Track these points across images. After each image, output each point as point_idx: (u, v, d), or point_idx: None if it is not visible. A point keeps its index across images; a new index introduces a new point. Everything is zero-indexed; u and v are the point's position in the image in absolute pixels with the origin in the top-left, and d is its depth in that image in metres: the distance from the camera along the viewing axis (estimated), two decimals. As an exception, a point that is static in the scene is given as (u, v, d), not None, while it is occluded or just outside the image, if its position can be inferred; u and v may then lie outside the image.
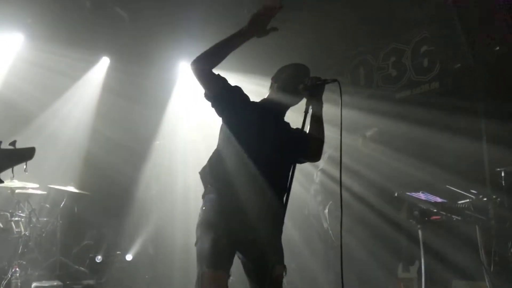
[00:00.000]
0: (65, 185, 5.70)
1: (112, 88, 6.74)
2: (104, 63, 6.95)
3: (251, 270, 2.74)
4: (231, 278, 2.62)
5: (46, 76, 6.13)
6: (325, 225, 4.84)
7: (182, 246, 5.24)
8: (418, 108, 5.44)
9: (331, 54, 6.79)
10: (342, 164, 2.73)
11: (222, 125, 2.86)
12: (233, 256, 2.68)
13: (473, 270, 4.38)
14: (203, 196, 2.80)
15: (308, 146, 2.89)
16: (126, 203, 6.28)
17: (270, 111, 2.86)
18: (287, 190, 2.60)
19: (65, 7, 5.72)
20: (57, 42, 5.89)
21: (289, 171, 2.65)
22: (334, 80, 2.71)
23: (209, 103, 2.84)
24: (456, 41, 5.68)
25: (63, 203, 5.68)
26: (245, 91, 2.89)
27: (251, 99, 2.90)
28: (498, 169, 4.67)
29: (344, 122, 2.77)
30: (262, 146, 2.72)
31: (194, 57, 2.75)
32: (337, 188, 4.52)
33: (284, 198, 2.59)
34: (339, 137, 2.75)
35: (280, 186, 2.72)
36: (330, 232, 4.80)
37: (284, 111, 2.94)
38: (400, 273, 5.15)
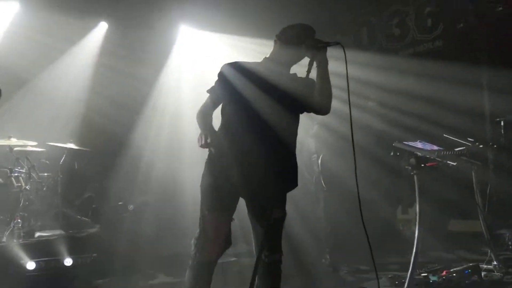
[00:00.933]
0: (65, 142, 5.78)
1: (110, 52, 6.82)
2: (102, 28, 6.96)
3: (250, 211, 2.85)
4: (234, 220, 2.79)
5: (44, 41, 6.17)
6: (317, 169, 4.91)
7: (189, 193, 5.30)
8: (421, 65, 5.48)
9: (334, 15, 6.82)
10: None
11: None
12: (235, 200, 2.81)
13: (468, 211, 4.43)
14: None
15: (315, 99, 2.85)
16: (126, 157, 6.38)
17: (272, 68, 2.90)
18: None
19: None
20: (54, 8, 5.92)
21: (296, 124, 2.84)
22: (337, 43, 2.72)
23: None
24: (459, 1, 5.71)
25: (62, 159, 5.67)
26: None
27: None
28: (498, 119, 4.69)
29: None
30: (265, 101, 2.77)
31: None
32: (333, 139, 4.55)
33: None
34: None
35: (287, 138, 2.81)
36: (322, 180, 4.88)
37: (288, 67, 2.95)
38: (400, 214, 5.32)
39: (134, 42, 6.86)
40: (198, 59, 6.71)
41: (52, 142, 5.75)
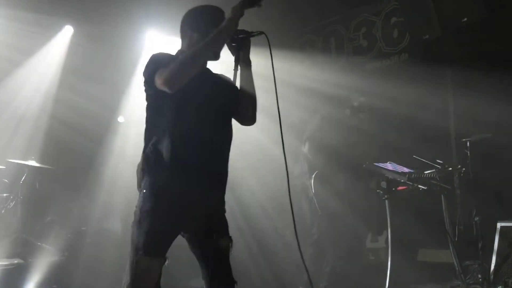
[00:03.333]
0: (26, 159, 5.48)
1: (75, 59, 6.47)
2: (67, 32, 6.61)
3: (196, 247, 2.51)
4: (167, 262, 2.38)
5: (4, 44, 5.84)
6: (310, 193, 4.82)
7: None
8: (388, 79, 5.47)
9: (302, 24, 6.72)
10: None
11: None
12: (174, 239, 2.43)
13: (439, 239, 4.48)
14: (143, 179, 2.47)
15: (240, 102, 2.57)
16: (93, 177, 6.11)
17: None
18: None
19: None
20: (19, 9, 5.59)
21: (229, 134, 2.52)
22: (261, 33, 2.46)
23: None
24: (425, 12, 5.70)
25: (23, 178, 5.44)
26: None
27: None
28: (464, 140, 4.74)
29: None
30: (193, 112, 2.41)
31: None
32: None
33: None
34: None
35: (221, 152, 2.51)
36: (315, 200, 4.76)
37: (207, 63, 2.55)
38: (369, 243, 5.25)
39: (101, 47, 6.48)
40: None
41: (12, 159, 5.47)
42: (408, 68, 5.63)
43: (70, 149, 6.27)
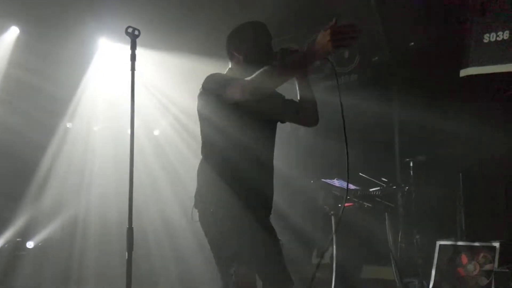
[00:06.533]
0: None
1: (20, 62, 6.20)
2: (12, 33, 6.29)
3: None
4: None
5: None
6: None
7: (95, 231, 5.01)
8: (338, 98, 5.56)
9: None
10: None
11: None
12: None
13: (382, 256, 4.58)
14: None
15: (302, 111, 2.68)
16: (35, 185, 5.86)
17: None
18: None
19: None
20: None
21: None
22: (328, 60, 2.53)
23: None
24: (375, 35, 5.89)
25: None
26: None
27: None
28: (408, 159, 4.90)
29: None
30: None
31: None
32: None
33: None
34: None
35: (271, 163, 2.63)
36: None
37: None
38: (314, 259, 5.30)
39: (50, 50, 6.21)
40: (117, 74, 6.34)
41: None
42: (357, 88, 5.77)
43: (12, 155, 5.98)
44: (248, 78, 2.29)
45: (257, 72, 2.27)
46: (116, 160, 5.37)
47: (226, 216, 2.35)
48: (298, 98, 2.67)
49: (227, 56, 2.64)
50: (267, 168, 2.57)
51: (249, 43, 2.54)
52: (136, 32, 2.75)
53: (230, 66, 2.63)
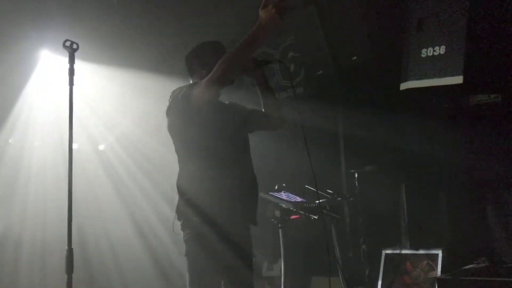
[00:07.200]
0: None
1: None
2: None
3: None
4: None
5: None
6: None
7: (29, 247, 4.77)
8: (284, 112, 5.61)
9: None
10: None
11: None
12: None
13: (331, 267, 4.62)
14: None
15: (269, 118, 3.00)
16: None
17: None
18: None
19: None
20: None
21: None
22: (279, 61, 3.18)
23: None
24: (319, 49, 6.00)
25: None
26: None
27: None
28: (352, 171, 5.00)
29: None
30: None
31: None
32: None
33: None
34: None
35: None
36: None
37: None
38: (265, 271, 5.31)
39: None
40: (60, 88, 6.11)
41: None
42: (302, 101, 5.84)
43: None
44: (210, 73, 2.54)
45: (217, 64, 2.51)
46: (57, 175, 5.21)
47: (194, 234, 2.59)
48: (262, 104, 2.94)
49: (187, 73, 2.93)
50: (250, 177, 2.89)
51: (212, 58, 2.74)
52: (75, 46, 2.68)
53: (191, 82, 2.87)
